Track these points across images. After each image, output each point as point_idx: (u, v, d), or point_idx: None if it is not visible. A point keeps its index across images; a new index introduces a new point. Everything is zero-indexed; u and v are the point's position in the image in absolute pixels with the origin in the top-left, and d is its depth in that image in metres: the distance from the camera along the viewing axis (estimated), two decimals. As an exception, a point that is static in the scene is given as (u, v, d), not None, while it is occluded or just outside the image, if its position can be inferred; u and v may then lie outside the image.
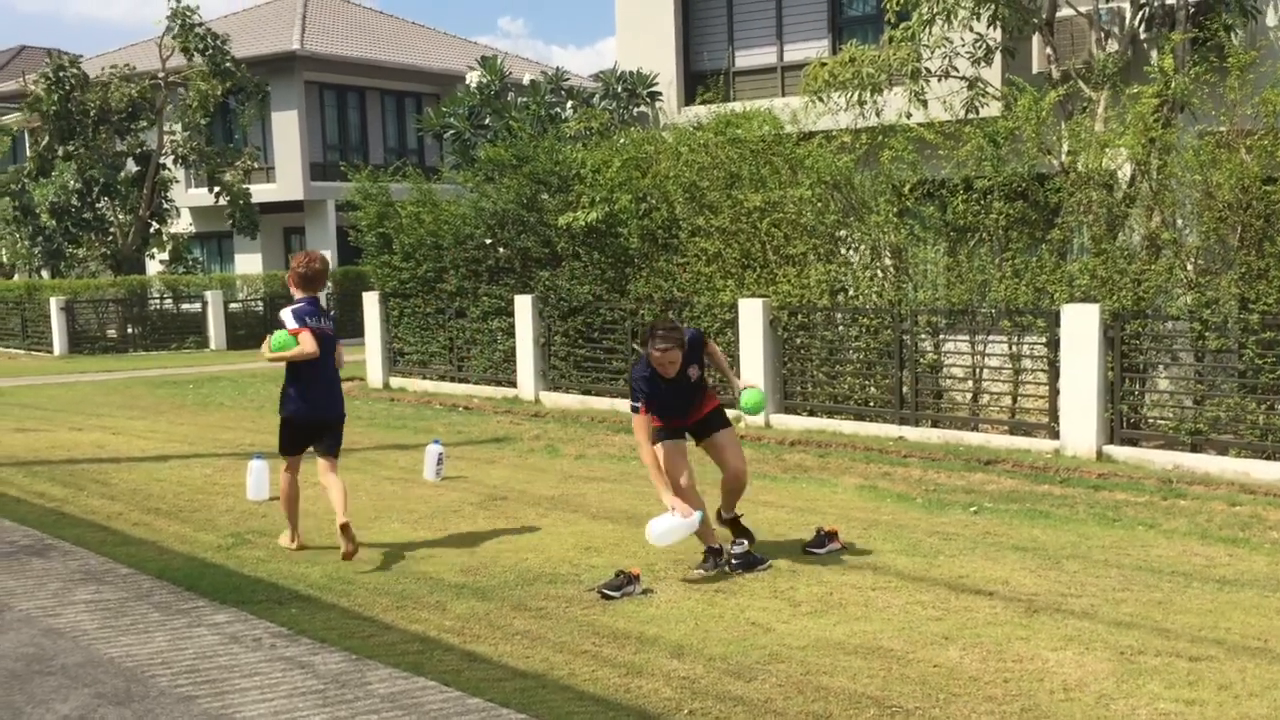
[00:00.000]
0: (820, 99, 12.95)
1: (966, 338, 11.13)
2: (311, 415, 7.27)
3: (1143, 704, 4.64)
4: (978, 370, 11.16)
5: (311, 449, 7.38)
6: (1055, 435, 10.20)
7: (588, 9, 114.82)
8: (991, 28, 12.51)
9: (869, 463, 10.12)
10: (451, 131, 19.87)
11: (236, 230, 29.14)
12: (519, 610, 6.00)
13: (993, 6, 12.06)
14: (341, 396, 7.44)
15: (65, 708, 4.77)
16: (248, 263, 31.57)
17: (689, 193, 12.95)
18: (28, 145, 31.24)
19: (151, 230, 29.13)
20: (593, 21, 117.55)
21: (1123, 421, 9.99)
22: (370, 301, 16.77)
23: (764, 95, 16.31)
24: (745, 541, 6.82)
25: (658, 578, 6.52)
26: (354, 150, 31.61)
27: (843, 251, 12.09)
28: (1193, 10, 11.96)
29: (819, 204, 12.00)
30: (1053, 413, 10.32)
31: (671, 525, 6.42)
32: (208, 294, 26.59)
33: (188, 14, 27.09)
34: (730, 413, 7.32)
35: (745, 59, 17.34)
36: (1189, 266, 10.03)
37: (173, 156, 28.60)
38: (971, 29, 12.42)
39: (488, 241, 15.23)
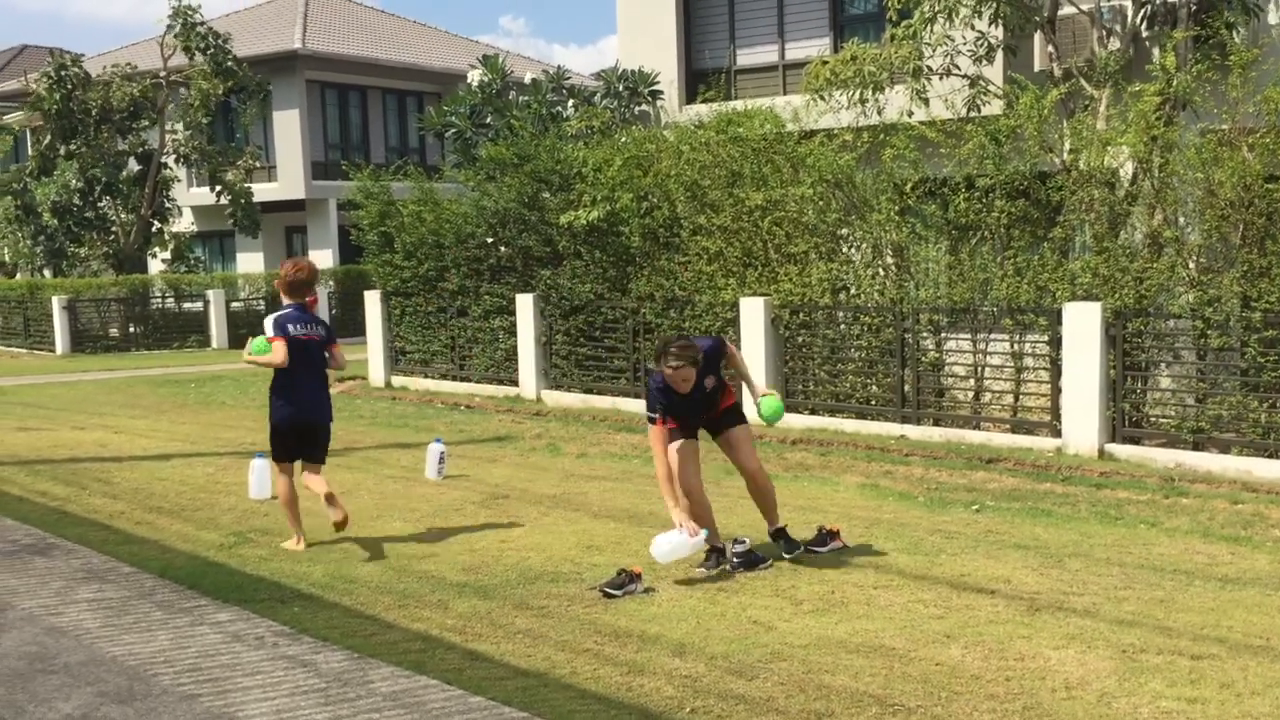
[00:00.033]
0: (822, 97, 12.94)
1: (968, 336, 11.13)
2: (297, 418, 7.39)
3: (1145, 702, 4.64)
4: (979, 369, 11.15)
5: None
6: (1057, 433, 10.19)
7: (589, 8, 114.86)
8: (993, 26, 12.51)
9: (871, 461, 10.12)
10: (453, 130, 19.87)
11: (238, 229, 29.16)
12: (521, 609, 6.01)
13: (994, 4, 12.05)
14: (329, 402, 7.56)
15: (68, 706, 4.78)
16: (249, 262, 31.58)
17: (690, 191, 12.94)
18: (29, 144, 31.28)
19: (153, 229, 29.16)
20: (594, 20, 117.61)
21: (1125, 420, 9.98)
22: (372, 300, 16.77)
23: (765, 93, 16.31)
24: (746, 540, 6.82)
25: (659, 576, 6.52)
26: (355, 149, 31.62)
27: (844, 250, 12.09)
28: (1194, 8, 11.95)
29: (820, 202, 11.99)
30: (1055, 411, 10.32)
31: (676, 544, 6.44)
32: (209, 293, 26.61)
33: (189, 13, 27.11)
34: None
35: (747, 57, 17.34)
36: (1191, 265, 10.03)
37: (174, 155, 28.62)
38: (973, 27, 12.41)
39: (489, 240, 15.24)
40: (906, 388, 11.26)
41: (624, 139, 14.57)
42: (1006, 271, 10.71)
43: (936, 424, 11.14)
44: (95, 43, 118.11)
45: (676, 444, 6.63)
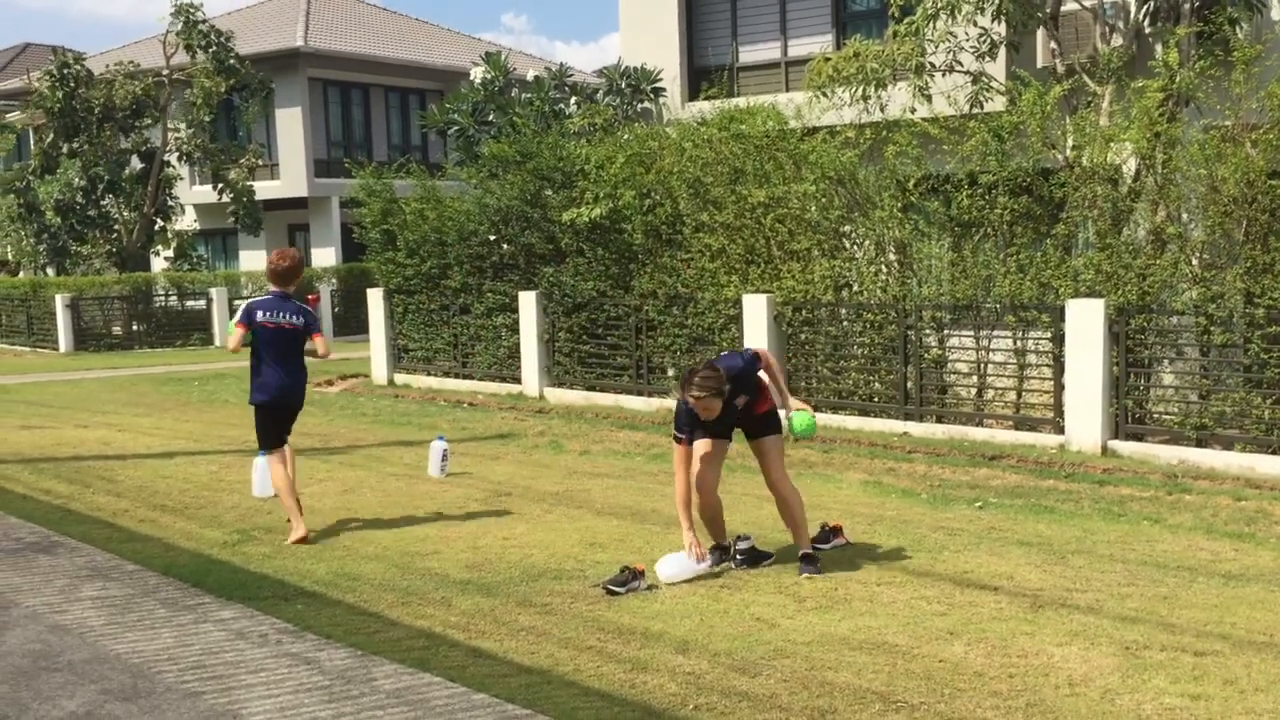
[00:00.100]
0: (824, 94, 12.94)
1: (971, 333, 11.13)
2: (268, 399, 7.69)
3: (1148, 699, 4.64)
4: (982, 365, 11.15)
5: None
6: (1060, 430, 10.19)
7: (591, 5, 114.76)
8: (996, 22, 12.50)
9: (874, 458, 10.12)
10: (455, 128, 19.88)
11: (240, 228, 29.18)
12: (524, 606, 6.01)
13: (997, 1, 12.04)
14: (298, 388, 7.79)
15: (72, 704, 4.78)
16: (252, 259, 31.58)
17: (693, 188, 12.94)
18: (32, 142, 31.31)
19: (156, 227, 29.19)
20: (596, 17, 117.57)
21: (1128, 416, 9.97)
22: (374, 298, 16.78)
23: (768, 90, 16.31)
24: (750, 537, 6.82)
25: (662, 573, 6.52)
26: (358, 147, 31.63)
27: (847, 247, 12.09)
28: (1197, 4, 11.94)
29: (823, 199, 11.99)
30: (1058, 408, 10.31)
31: (682, 568, 6.44)
32: (212, 291, 26.63)
33: (191, 11, 27.13)
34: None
35: (749, 54, 17.33)
36: (1194, 261, 10.02)
37: (177, 154, 28.64)
38: (976, 23, 12.41)
39: (492, 238, 15.23)
40: (909, 385, 11.26)
41: (626, 136, 14.56)
42: (1009, 268, 10.70)
43: (939, 421, 11.13)
44: (97, 41, 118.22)
45: (705, 441, 6.57)
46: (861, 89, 12.60)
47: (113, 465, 10.45)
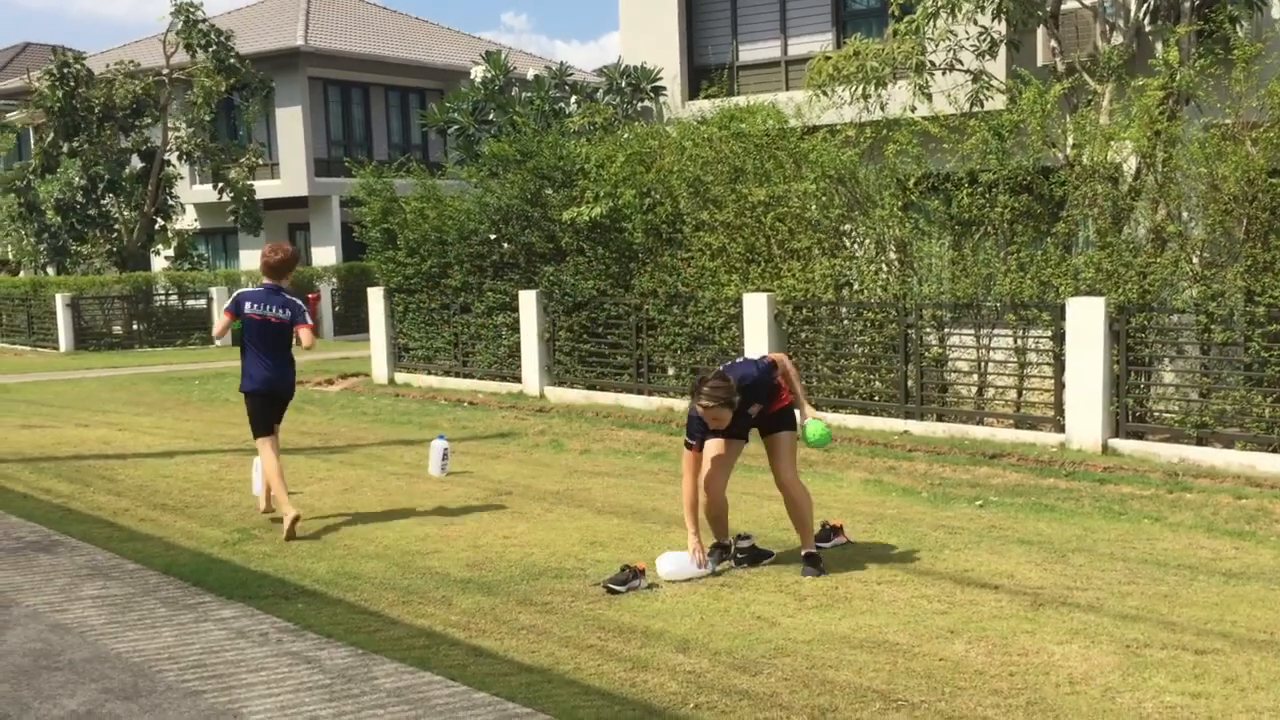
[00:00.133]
0: (824, 93, 12.94)
1: (971, 331, 11.12)
2: (255, 387, 7.88)
3: (1148, 697, 4.64)
4: (983, 364, 11.15)
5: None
6: (1061, 429, 10.19)
7: (591, 4, 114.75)
8: (996, 21, 12.50)
9: (874, 457, 10.12)
10: (455, 127, 19.88)
11: (240, 227, 29.18)
12: (525, 605, 6.01)
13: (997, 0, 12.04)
14: (285, 378, 7.95)
15: (73, 703, 4.79)
16: (252, 259, 31.57)
17: (693, 187, 12.94)
18: (32, 142, 31.31)
19: (156, 227, 29.20)
20: (596, 16, 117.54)
21: (1128, 415, 9.97)
22: (375, 297, 16.78)
23: (768, 89, 16.30)
24: (751, 536, 6.82)
25: (663, 572, 6.53)
26: (358, 146, 31.63)
27: (847, 245, 12.09)
28: (1198, 2, 11.93)
29: (823, 198, 11.99)
30: (1058, 406, 10.31)
31: (682, 567, 6.44)
32: (212, 290, 26.64)
33: (191, 10, 27.12)
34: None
35: (749, 53, 17.33)
36: (1194, 259, 10.02)
37: (177, 153, 28.64)
38: (976, 22, 12.40)
39: (492, 237, 15.23)
40: (910, 383, 11.26)
41: (626, 135, 14.56)
42: (1010, 267, 10.70)
43: (940, 420, 11.13)
44: (97, 40, 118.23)
45: (717, 442, 6.53)
46: (862, 88, 12.60)
47: (113, 464, 10.46)
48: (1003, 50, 12.95)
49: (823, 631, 5.50)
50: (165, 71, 27.87)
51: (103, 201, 28.27)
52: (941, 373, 11.42)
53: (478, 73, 20.49)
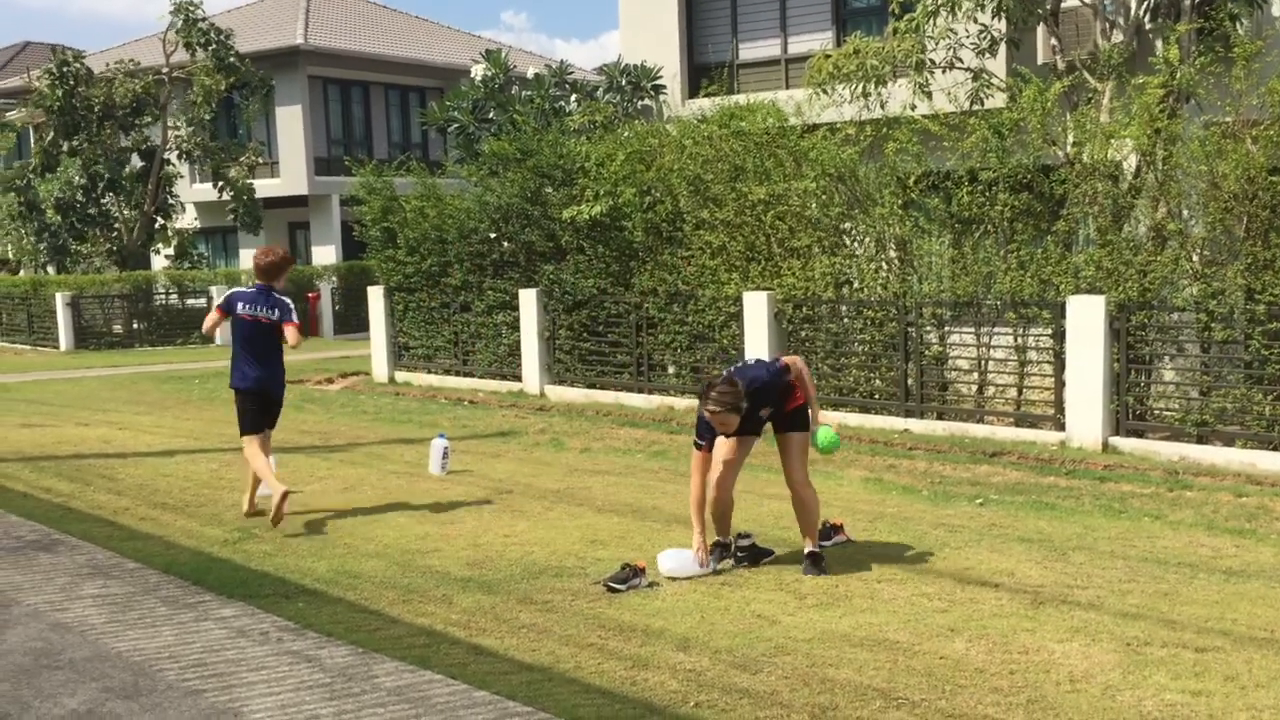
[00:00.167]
0: (824, 91, 12.94)
1: (972, 330, 11.12)
2: (247, 386, 8.02)
3: (1149, 695, 4.64)
4: (983, 362, 11.15)
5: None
6: (1061, 427, 10.19)
7: (591, 2, 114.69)
8: (996, 19, 12.50)
9: (874, 455, 10.12)
10: (455, 125, 19.87)
11: (240, 226, 29.18)
12: (525, 603, 6.01)
13: (997, -3, 12.05)
14: (279, 377, 8.12)
15: (73, 701, 4.79)
16: (252, 258, 31.59)
17: (693, 186, 12.94)
18: (32, 141, 31.30)
19: (156, 226, 29.18)
20: (596, 15, 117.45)
21: (1128, 413, 9.97)
22: (375, 296, 16.78)
23: (768, 88, 16.30)
24: (751, 535, 6.82)
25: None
26: (358, 145, 31.62)
27: (847, 244, 12.08)
28: (1198, 0, 11.92)
29: (823, 196, 11.98)
30: (1058, 404, 10.31)
31: (684, 564, 6.45)
32: (213, 289, 26.61)
33: (190, 8, 27.10)
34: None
35: (749, 51, 17.32)
36: (1195, 257, 10.01)
37: (177, 152, 28.63)
38: (976, 20, 12.40)
39: (492, 235, 15.23)
40: (910, 382, 11.26)
41: (626, 133, 14.56)
42: (1010, 265, 10.70)
43: (940, 418, 11.13)
44: (97, 39, 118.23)
45: (728, 441, 6.51)
46: (862, 86, 12.60)
47: (113, 463, 10.46)
48: (1003, 48, 12.95)
49: (823, 630, 5.50)
50: (165, 70, 27.86)
51: (103, 200, 28.25)
52: (942, 371, 11.42)
53: (478, 71, 20.48)
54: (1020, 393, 10.96)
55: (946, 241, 11.37)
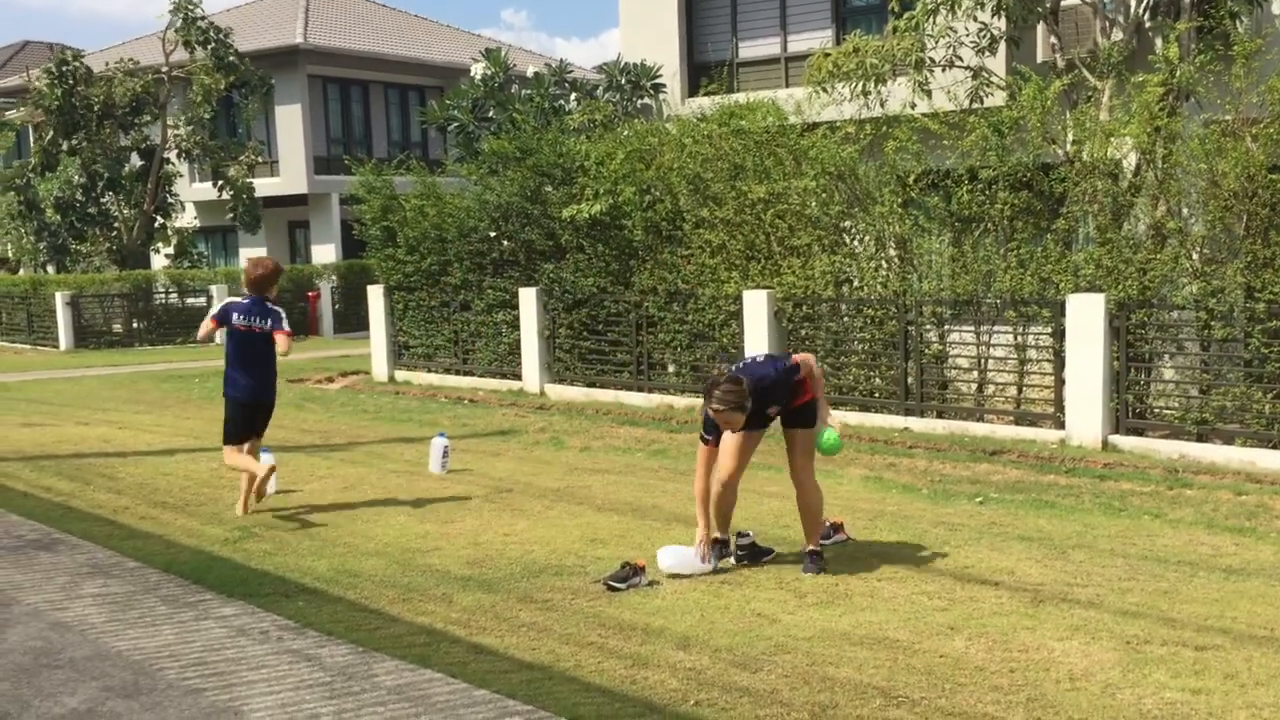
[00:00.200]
0: (824, 89, 12.94)
1: (972, 328, 11.12)
2: (239, 396, 8.19)
3: (1149, 693, 4.64)
4: (983, 361, 11.15)
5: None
6: (1061, 425, 10.19)
7: (591, 1, 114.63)
8: (996, 17, 12.49)
9: (874, 454, 10.12)
10: (455, 124, 19.87)
11: (239, 225, 29.17)
12: (525, 602, 6.01)
13: (997, -4, 12.04)
14: (269, 386, 8.27)
15: (73, 700, 4.79)
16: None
17: (693, 184, 12.94)
18: (32, 140, 31.30)
19: (156, 225, 29.18)
20: (596, 13, 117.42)
21: (1128, 411, 9.98)
22: (375, 295, 16.78)
23: (768, 86, 16.30)
24: (750, 533, 6.82)
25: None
26: (358, 144, 31.62)
27: (847, 242, 12.08)
28: (1198, -2, 11.93)
29: (823, 195, 11.98)
30: (1058, 403, 10.31)
31: (684, 561, 6.44)
32: (212, 288, 26.61)
33: (189, 7, 27.08)
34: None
35: (749, 50, 17.32)
36: (1194, 256, 10.02)
37: (177, 151, 28.62)
38: (975, 18, 12.40)
39: (492, 234, 15.23)
40: (910, 380, 11.26)
41: (626, 132, 14.56)
42: (1010, 263, 10.70)
43: (940, 416, 11.13)
44: (97, 38, 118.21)
45: (736, 435, 6.47)
46: (861, 84, 12.59)
47: (113, 462, 10.46)
48: (1002, 47, 12.95)
49: (823, 628, 5.50)
50: (164, 69, 27.85)
51: (102, 200, 28.24)
52: (941, 369, 11.42)
53: (477, 70, 20.48)
54: (1020, 391, 10.96)
55: (946, 240, 11.37)
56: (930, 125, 11.13)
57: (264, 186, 29.85)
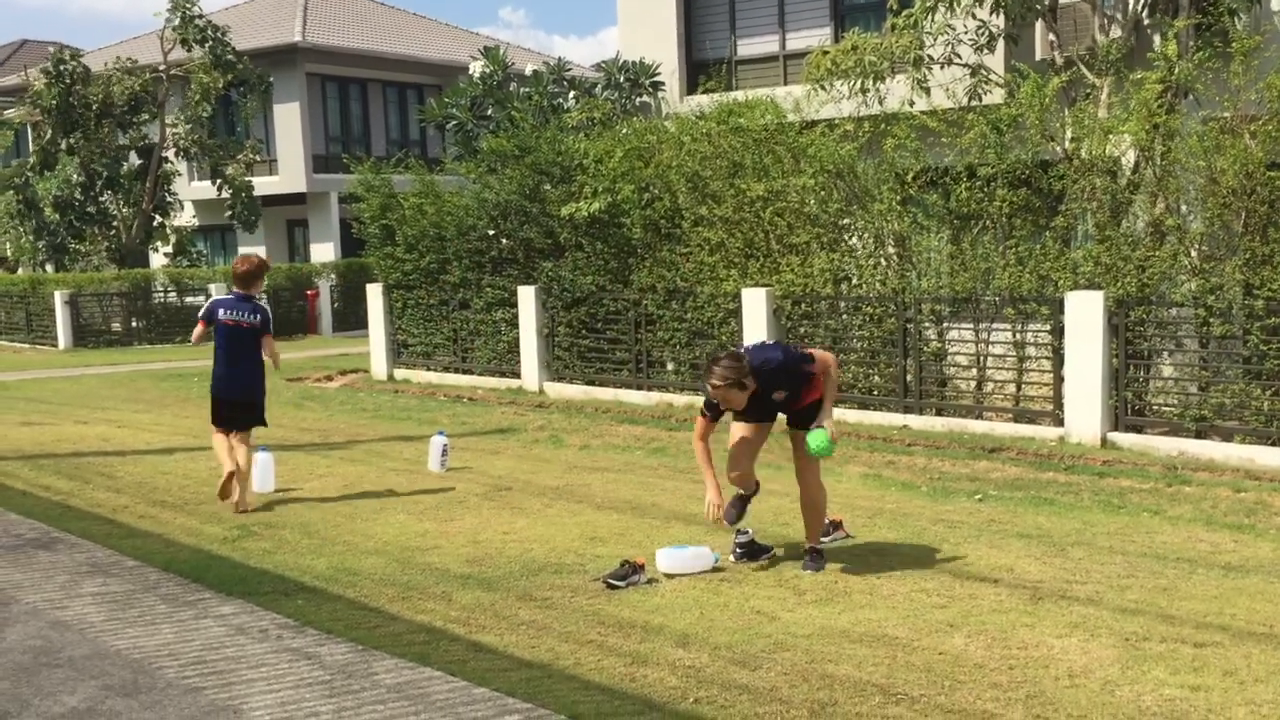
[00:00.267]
0: (823, 87, 12.93)
1: (970, 326, 11.13)
2: (215, 389, 8.47)
3: (1148, 690, 4.65)
4: (982, 358, 11.15)
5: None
6: (1060, 422, 10.19)
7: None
8: (994, 14, 12.49)
9: (873, 451, 10.12)
10: (454, 122, 19.87)
11: (237, 223, 29.16)
12: (524, 600, 6.01)
13: (995, -7, 12.03)
14: (248, 383, 8.44)
15: (73, 699, 4.79)
16: (251, 255, 31.52)
17: (692, 182, 12.93)
18: (30, 139, 31.28)
19: (155, 224, 29.16)
20: (594, 12, 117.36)
21: (1127, 408, 9.98)
22: (374, 293, 16.77)
23: (766, 84, 16.30)
24: (749, 531, 6.82)
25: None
26: (356, 142, 31.60)
27: (846, 240, 12.08)
28: (1196, -5, 11.92)
29: (822, 193, 11.98)
30: (1057, 400, 10.32)
31: (681, 561, 6.44)
32: (211, 287, 26.55)
33: (186, 6, 27.06)
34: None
35: (747, 48, 17.32)
36: (1193, 253, 10.02)
37: (175, 150, 28.61)
38: (974, 16, 12.39)
39: (491, 233, 15.23)
40: (909, 378, 11.26)
41: (625, 130, 14.56)
42: (1008, 261, 10.70)
43: (939, 414, 11.13)
44: (96, 37, 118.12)
45: (744, 425, 6.45)
46: (860, 82, 12.59)
47: (112, 461, 10.46)
48: (1001, 44, 12.94)
49: (822, 626, 5.51)
50: (163, 68, 27.83)
51: (101, 199, 28.22)
52: (940, 367, 11.42)
53: (476, 68, 20.47)
54: (1019, 388, 10.96)
55: (945, 237, 11.37)
56: (929, 123, 11.13)
57: (263, 185, 29.84)
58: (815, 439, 6.30)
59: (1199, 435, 9.60)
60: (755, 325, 11.95)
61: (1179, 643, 5.17)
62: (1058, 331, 10.24)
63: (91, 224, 28.29)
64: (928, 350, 11.28)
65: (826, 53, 13.08)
